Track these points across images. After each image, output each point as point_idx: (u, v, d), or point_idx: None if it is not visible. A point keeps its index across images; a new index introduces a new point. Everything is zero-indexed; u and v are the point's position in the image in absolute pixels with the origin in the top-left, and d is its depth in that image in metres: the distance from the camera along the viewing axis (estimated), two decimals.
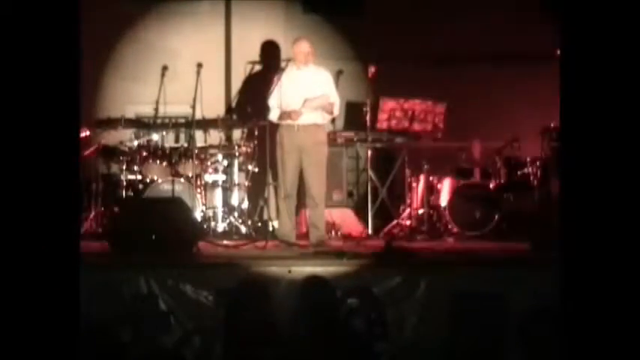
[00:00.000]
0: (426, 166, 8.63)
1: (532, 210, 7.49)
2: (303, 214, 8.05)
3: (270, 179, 7.93)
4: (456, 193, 8.57)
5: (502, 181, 8.58)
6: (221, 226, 8.31)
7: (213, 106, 9.17)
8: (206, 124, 8.78)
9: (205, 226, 8.04)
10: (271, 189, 8.24)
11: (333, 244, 7.47)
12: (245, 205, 8.51)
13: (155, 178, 8.20)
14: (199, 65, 8.09)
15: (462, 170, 8.98)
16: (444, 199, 8.58)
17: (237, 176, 8.61)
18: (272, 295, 5.22)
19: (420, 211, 8.62)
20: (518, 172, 8.57)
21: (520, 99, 9.80)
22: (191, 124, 8.34)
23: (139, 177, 8.23)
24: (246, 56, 9.97)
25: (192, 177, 8.17)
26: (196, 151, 8.26)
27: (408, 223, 8.58)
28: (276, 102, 7.32)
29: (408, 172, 8.72)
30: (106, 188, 8.32)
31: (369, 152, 8.63)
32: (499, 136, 8.85)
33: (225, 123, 8.78)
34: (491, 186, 8.59)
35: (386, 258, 6.01)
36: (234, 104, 9.23)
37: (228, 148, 8.62)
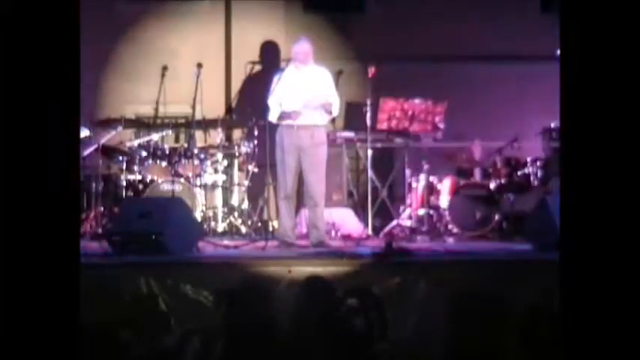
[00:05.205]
0: (426, 166, 8.63)
1: (532, 210, 7.47)
2: (303, 214, 8.05)
3: (270, 179, 7.93)
4: (456, 193, 8.57)
5: (502, 181, 8.57)
6: (221, 226, 8.31)
7: (213, 106, 9.18)
8: (206, 124, 8.78)
9: (205, 226, 8.03)
10: (271, 189, 8.24)
11: (333, 244, 7.47)
12: (245, 205, 8.51)
13: (155, 178, 8.20)
14: (199, 65, 8.09)
15: (462, 170, 8.98)
16: (444, 200, 8.58)
17: (237, 176, 8.62)
18: (272, 295, 5.22)
19: (420, 212, 8.62)
20: (518, 172, 8.57)
21: (520, 99, 9.81)
22: (191, 124, 8.35)
23: (139, 177, 8.23)
24: (246, 56, 9.98)
25: (192, 177, 8.18)
26: (196, 151, 8.27)
27: (408, 223, 8.58)
28: (275, 102, 7.31)
29: (408, 172, 8.72)
30: (106, 188, 8.32)
31: (369, 152, 8.63)
32: (499, 136, 8.85)
33: (225, 123, 8.78)
34: (491, 186, 8.58)
35: (386, 258, 6.00)
36: (234, 104, 9.22)
37: (228, 148, 8.62)
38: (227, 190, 8.55)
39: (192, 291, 5.38)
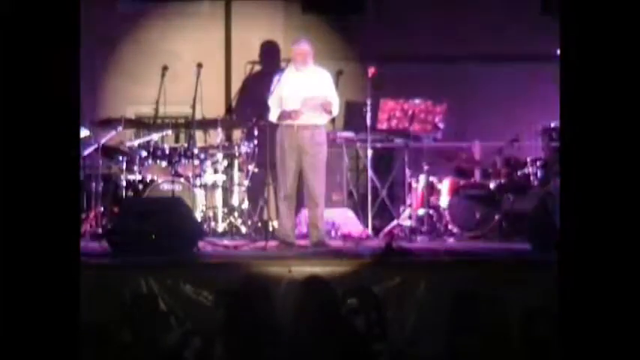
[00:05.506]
0: (426, 166, 8.63)
1: (532, 210, 7.48)
2: (303, 214, 8.05)
3: (270, 179, 7.93)
4: (456, 194, 8.57)
5: (502, 181, 8.57)
6: (221, 226, 8.31)
7: (213, 106, 9.19)
8: (206, 124, 8.78)
9: (205, 226, 8.03)
10: (271, 189, 8.24)
11: (333, 244, 7.47)
12: (245, 205, 8.51)
13: (155, 178, 8.20)
14: (199, 65, 8.09)
15: (462, 170, 8.98)
16: (444, 200, 8.57)
17: (237, 176, 8.62)
18: (272, 295, 5.22)
19: (420, 212, 8.61)
20: (518, 172, 8.57)
21: (520, 99, 9.81)
22: (191, 124, 8.35)
23: (139, 177, 8.23)
24: (246, 56, 10.00)
25: (192, 177, 8.18)
26: (196, 151, 8.27)
27: (408, 223, 8.58)
28: (275, 102, 7.32)
29: (408, 172, 8.71)
30: (106, 188, 8.32)
31: (369, 152, 8.63)
32: (499, 136, 8.86)
33: (225, 123, 8.78)
34: (491, 186, 8.58)
35: (386, 258, 6.00)
36: (234, 104, 9.22)
37: (228, 148, 8.62)
38: (227, 190, 8.54)
39: (192, 291, 5.39)
